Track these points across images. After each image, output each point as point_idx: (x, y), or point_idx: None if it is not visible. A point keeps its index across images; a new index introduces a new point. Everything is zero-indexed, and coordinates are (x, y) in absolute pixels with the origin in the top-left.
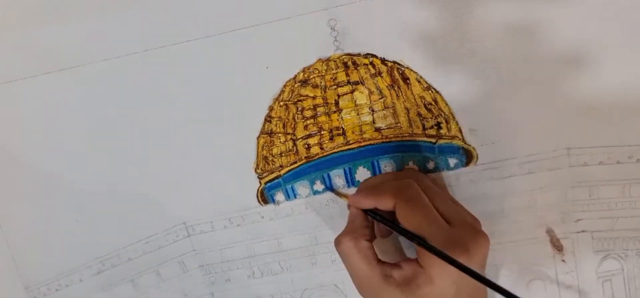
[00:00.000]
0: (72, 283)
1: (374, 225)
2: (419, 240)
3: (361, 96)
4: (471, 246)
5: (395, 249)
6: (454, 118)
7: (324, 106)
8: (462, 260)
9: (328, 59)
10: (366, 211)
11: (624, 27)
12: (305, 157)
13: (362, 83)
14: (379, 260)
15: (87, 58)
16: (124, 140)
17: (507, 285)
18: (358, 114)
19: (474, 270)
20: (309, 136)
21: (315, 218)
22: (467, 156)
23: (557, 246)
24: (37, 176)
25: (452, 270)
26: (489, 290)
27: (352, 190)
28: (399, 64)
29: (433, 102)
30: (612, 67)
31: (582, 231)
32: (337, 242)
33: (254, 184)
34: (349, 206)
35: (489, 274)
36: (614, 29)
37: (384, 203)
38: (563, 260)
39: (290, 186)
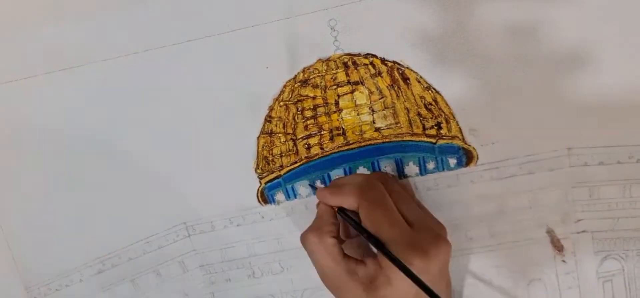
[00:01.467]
0: (73, 283)
1: (342, 224)
2: (377, 243)
3: (361, 96)
4: (431, 250)
5: (363, 244)
6: (454, 118)
7: (324, 106)
8: (420, 263)
9: (328, 59)
10: (337, 210)
11: (624, 28)
12: (306, 157)
13: (362, 83)
14: (344, 256)
15: (87, 58)
16: (124, 140)
17: (508, 286)
18: (358, 114)
19: (420, 279)
20: (309, 136)
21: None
22: (467, 157)
23: (558, 246)
24: (37, 176)
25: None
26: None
27: None
28: (399, 64)
29: (433, 103)
30: (613, 67)
31: (583, 231)
32: (303, 238)
33: (254, 185)
34: (318, 203)
35: (489, 275)
36: (614, 29)
37: (348, 202)
38: (563, 261)
39: (290, 186)
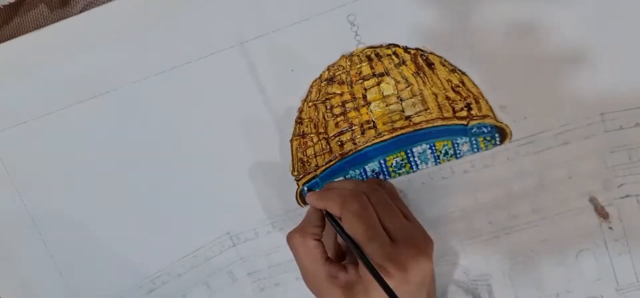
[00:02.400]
0: None
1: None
2: (358, 251)
3: (388, 87)
4: (410, 266)
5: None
6: (483, 97)
7: (352, 101)
8: (398, 277)
9: (351, 54)
10: (325, 214)
11: None
12: (340, 154)
13: (388, 74)
14: (327, 259)
15: (116, 83)
16: (161, 158)
17: (557, 260)
18: (387, 105)
19: (392, 290)
20: (341, 133)
21: None
22: (501, 134)
23: (603, 214)
24: (82, 203)
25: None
26: None
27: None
28: (421, 50)
29: (460, 84)
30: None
31: (626, 195)
32: (288, 237)
33: (292, 187)
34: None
35: (536, 251)
36: None
37: (332, 209)
38: (610, 228)
39: None
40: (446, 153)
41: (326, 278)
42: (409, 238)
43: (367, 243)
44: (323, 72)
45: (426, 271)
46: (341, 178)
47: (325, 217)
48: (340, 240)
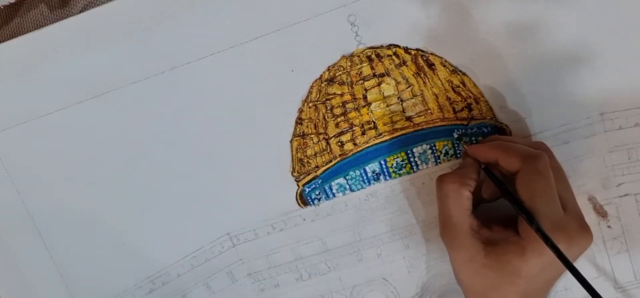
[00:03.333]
0: None
1: (485, 184)
2: (528, 216)
3: (388, 88)
4: (575, 238)
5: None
6: (483, 97)
7: (352, 102)
8: (563, 247)
9: (351, 55)
10: (484, 168)
11: None
12: (340, 155)
13: (388, 74)
14: (471, 213)
15: (116, 83)
16: (161, 159)
17: None
18: (387, 106)
19: (572, 264)
20: (341, 133)
21: (356, 214)
22: (501, 134)
23: (601, 213)
24: (82, 203)
25: (548, 253)
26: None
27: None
28: (422, 51)
29: (461, 85)
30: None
31: (625, 194)
32: (440, 180)
33: (292, 188)
34: (464, 155)
35: None
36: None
37: (509, 162)
38: (609, 226)
39: (327, 185)
40: (447, 153)
41: (469, 229)
42: (578, 211)
43: (543, 204)
44: (323, 72)
45: (586, 247)
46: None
47: (485, 171)
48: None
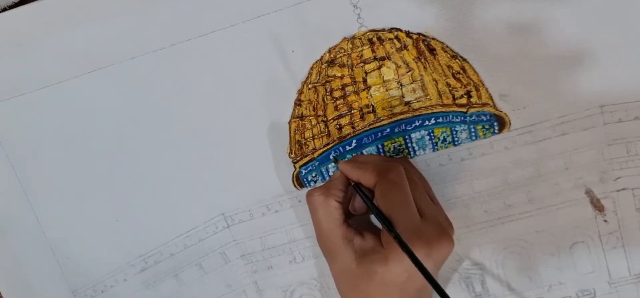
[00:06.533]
0: (117, 283)
1: (353, 199)
2: (387, 224)
3: (389, 71)
4: (434, 244)
5: (365, 222)
6: (483, 85)
7: (352, 84)
8: (421, 253)
9: (353, 37)
10: (353, 185)
11: None
12: (338, 137)
13: (389, 58)
14: (343, 221)
15: (115, 58)
16: (157, 136)
17: (550, 251)
18: (387, 90)
19: (426, 268)
20: (340, 116)
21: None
22: (500, 123)
23: (598, 206)
24: (76, 179)
25: (409, 261)
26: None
27: None
28: (423, 35)
29: (461, 71)
30: None
31: (623, 189)
32: (308, 195)
33: (289, 169)
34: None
35: (531, 241)
36: None
37: (367, 178)
38: (605, 221)
39: (325, 167)
40: (444, 140)
41: (342, 239)
42: (435, 218)
43: (399, 214)
44: (324, 54)
45: (447, 252)
46: (369, 152)
47: (353, 187)
48: (353, 208)
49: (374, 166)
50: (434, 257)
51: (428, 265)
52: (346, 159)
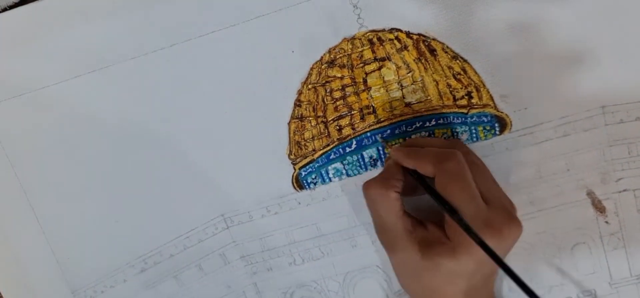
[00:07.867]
0: (117, 284)
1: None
2: (455, 214)
3: (389, 72)
4: (505, 230)
5: (424, 208)
6: (484, 86)
7: (352, 85)
8: (493, 242)
9: (353, 38)
10: (409, 171)
11: None
12: (338, 139)
13: (389, 59)
14: (404, 212)
15: (115, 58)
16: (157, 136)
17: (551, 252)
18: (387, 91)
19: (501, 259)
20: (340, 117)
21: (352, 199)
22: (500, 124)
23: (599, 208)
24: (76, 179)
25: (478, 251)
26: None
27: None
28: (424, 36)
29: (462, 72)
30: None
31: (624, 190)
32: (366, 186)
33: (288, 171)
34: (387, 158)
35: (532, 243)
36: None
37: (424, 168)
38: (607, 222)
39: (324, 169)
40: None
41: (403, 231)
42: (501, 202)
43: (464, 204)
44: (324, 54)
45: (517, 237)
46: (423, 134)
47: (411, 175)
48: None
49: (430, 155)
50: (505, 245)
51: (499, 253)
52: (398, 146)
